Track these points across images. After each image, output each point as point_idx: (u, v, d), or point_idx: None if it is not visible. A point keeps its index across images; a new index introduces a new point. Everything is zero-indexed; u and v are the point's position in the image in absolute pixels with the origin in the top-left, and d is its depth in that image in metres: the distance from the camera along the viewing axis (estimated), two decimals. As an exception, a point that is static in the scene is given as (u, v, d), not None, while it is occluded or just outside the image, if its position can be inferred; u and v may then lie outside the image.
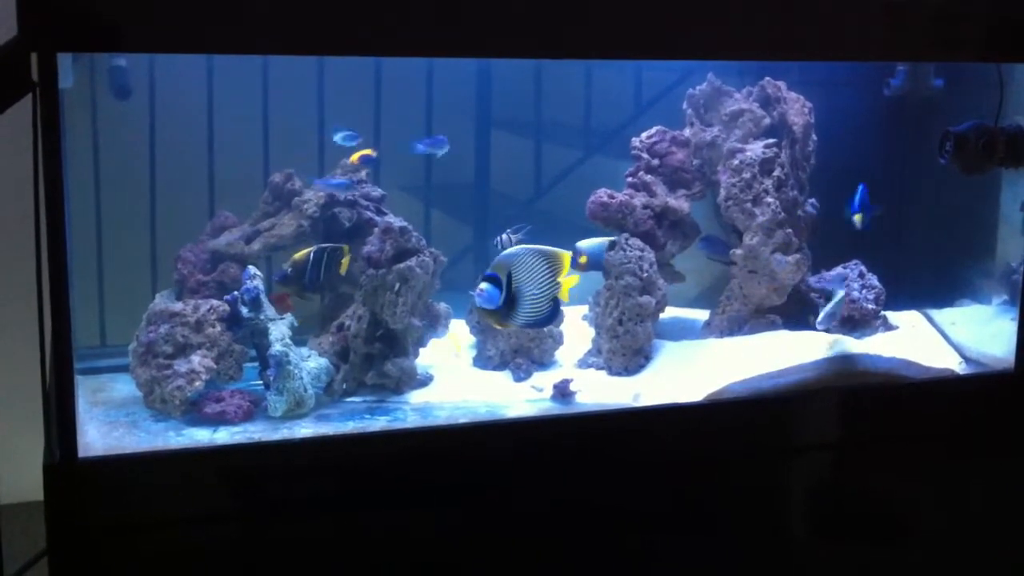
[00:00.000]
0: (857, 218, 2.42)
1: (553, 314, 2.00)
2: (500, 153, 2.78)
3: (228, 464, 1.85)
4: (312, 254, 2.19)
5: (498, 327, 2.06)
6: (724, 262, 2.48)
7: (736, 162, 2.42)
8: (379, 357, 2.19)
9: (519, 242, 2.37)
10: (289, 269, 2.19)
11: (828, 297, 2.43)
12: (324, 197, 2.28)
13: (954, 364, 2.38)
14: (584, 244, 2.34)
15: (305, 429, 1.99)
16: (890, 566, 2.30)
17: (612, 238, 2.34)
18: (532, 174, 2.86)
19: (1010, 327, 2.31)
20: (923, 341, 2.49)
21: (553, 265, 1.97)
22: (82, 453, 1.73)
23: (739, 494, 2.16)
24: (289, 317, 2.17)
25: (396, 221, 2.21)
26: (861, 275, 2.52)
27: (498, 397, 2.19)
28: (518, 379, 2.28)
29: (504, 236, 2.36)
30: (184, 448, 1.89)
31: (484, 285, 1.92)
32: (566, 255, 1.98)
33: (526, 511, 2.01)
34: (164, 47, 1.81)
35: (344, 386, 2.18)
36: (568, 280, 1.98)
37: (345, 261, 2.20)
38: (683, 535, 2.13)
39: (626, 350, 2.30)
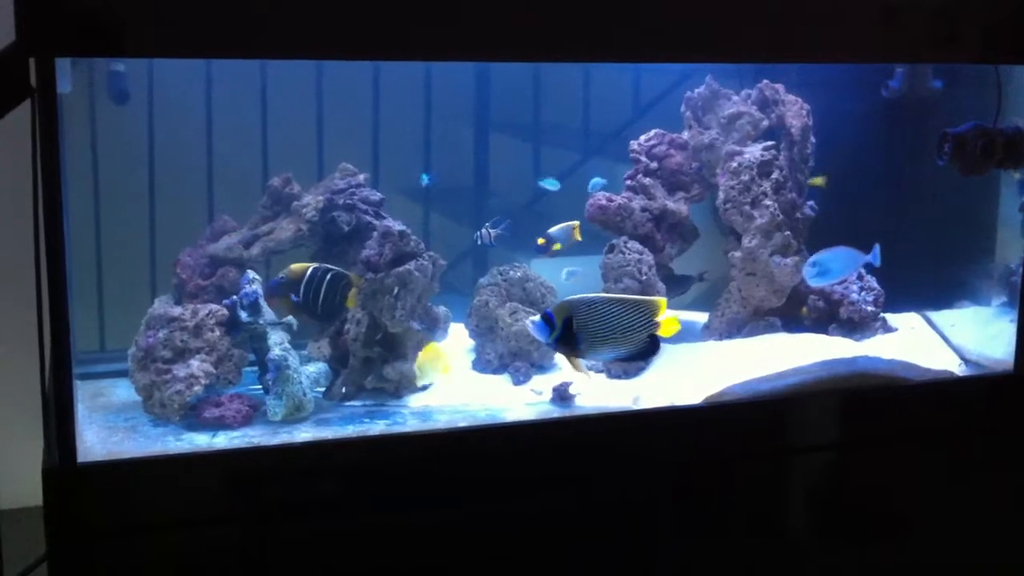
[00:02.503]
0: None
1: (645, 352, 2.00)
2: (499, 156, 2.79)
3: (227, 468, 1.84)
4: (309, 272, 2.14)
5: (569, 362, 2.05)
6: (698, 279, 2.48)
7: (734, 164, 2.43)
8: (378, 361, 2.19)
9: (498, 236, 2.40)
10: (283, 278, 2.15)
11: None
12: (323, 201, 2.28)
13: (953, 366, 2.38)
14: (553, 231, 2.40)
15: (304, 433, 2.00)
16: (890, 567, 2.29)
17: (575, 222, 2.38)
18: (531, 177, 2.86)
19: (1009, 329, 2.31)
20: (922, 343, 2.49)
21: (632, 311, 1.96)
22: (81, 458, 1.72)
23: (739, 496, 2.16)
24: (289, 320, 2.17)
25: (395, 225, 2.21)
26: (860, 277, 2.52)
27: (497, 401, 2.19)
28: (517, 382, 2.28)
29: (484, 231, 2.39)
30: (183, 452, 1.89)
31: (536, 318, 1.97)
32: (659, 301, 1.98)
33: (526, 514, 2.01)
34: (162, 52, 1.80)
35: (343, 390, 2.18)
36: (667, 322, 1.97)
37: (352, 294, 2.15)
38: (684, 537, 2.13)
39: (625, 353, 2.30)
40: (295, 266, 2.16)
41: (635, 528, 2.09)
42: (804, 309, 2.47)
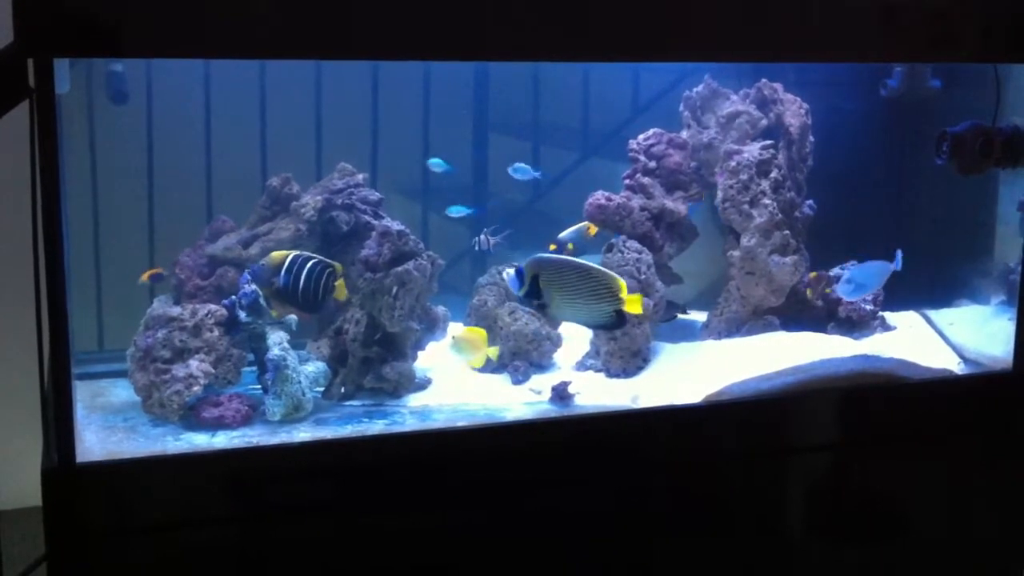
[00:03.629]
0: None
1: (611, 325, 2.08)
2: (498, 156, 2.78)
3: (226, 468, 1.84)
4: (288, 259, 2.11)
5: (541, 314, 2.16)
6: (682, 312, 2.48)
7: (733, 164, 2.43)
8: (377, 360, 2.19)
9: (497, 244, 2.40)
10: (262, 265, 2.13)
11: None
12: (322, 201, 2.28)
13: (952, 364, 2.38)
14: (564, 234, 2.39)
15: (303, 433, 2.00)
16: (889, 566, 2.30)
17: (587, 222, 2.38)
18: (530, 177, 2.86)
19: (1008, 327, 2.31)
20: (921, 341, 2.49)
21: (594, 282, 2.03)
22: (80, 458, 1.72)
23: (738, 495, 2.16)
24: (288, 321, 2.17)
25: (393, 224, 2.21)
26: (859, 276, 2.52)
27: (496, 400, 2.19)
28: (516, 382, 2.28)
29: (482, 237, 2.39)
30: (182, 452, 1.89)
31: (511, 271, 2.07)
32: (619, 280, 2.03)
33: (524, 513, 2.01)
34: (161, 52, 1.81)
35: (342, 390, 2.18)
36: (631, 299, 2.04)
37: (340, 284, 2.13)
38: (682, 537, 2.13)
39: (624, 352, 2.30)
40: (275, 254, 2.14)
41: (634, 527, 2.09)
42: (809, 291, 2.47)
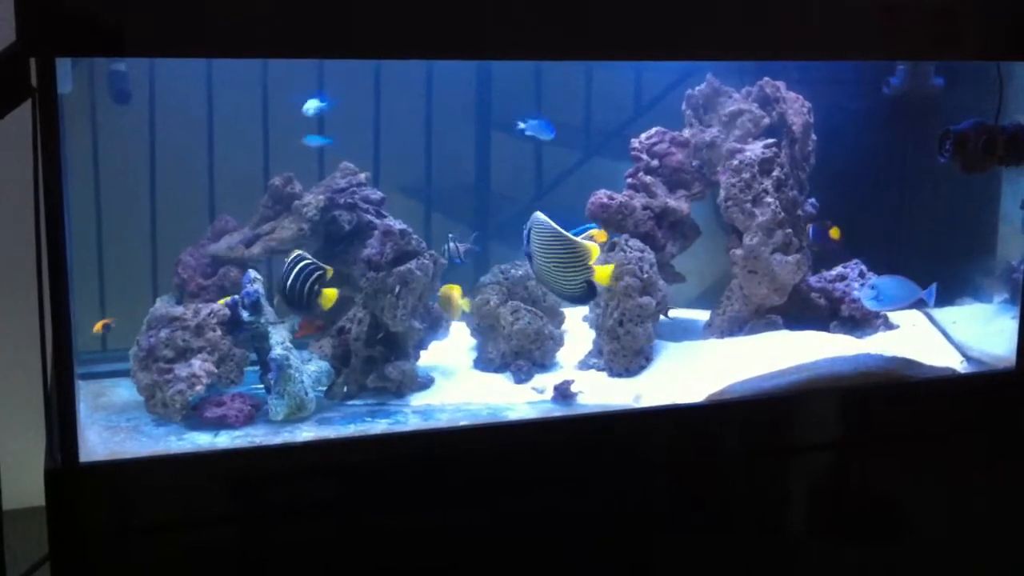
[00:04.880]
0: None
1: (582, 297, 2.10)
2: (500, 155, 2.78)
3: (229, 468, 1.85)
4: (292, 256, 2.14)
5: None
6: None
7: (735, 162, 2.42)
8: (380, 360, 2.19)
9: (466, 251, 2.39)
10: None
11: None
12: (324, 200, 2.29)
13: (955, 363, 2.38)
14: None
15: (306, 432, 1.99)
16: (891, 566, 2.30)
17: (593, 228, 2.37)
18: (532, 175, 2.86)
19: (1011, 325, 2.31)
20: (924, 340, 2.49)
21: (566, 248, 2.04)
22: (83, 458, 1.73)
23: (740, 494, 2.16)
24: (289, 320, 2.17)
25: (396, 224, 2.21)
26: (861, 274, 2.52)
27: (499, 399, 2.19)
28: (519, 381, 2.28)
29: (452, 245, 2.38)
30: (185, 452, 1.89)
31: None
32: (592, 247, 2.05)
33: (527, 512, 2.01)
34: (163, 51, 1.81)
35: (345, 389, 2.18)
36: (601, 271, 2.06)
37: (328, 292, 2.13)
38: (684, 536, 2.13)
39: (627, 351, 2.30)
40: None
41: (636, 526, 2.09)
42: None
